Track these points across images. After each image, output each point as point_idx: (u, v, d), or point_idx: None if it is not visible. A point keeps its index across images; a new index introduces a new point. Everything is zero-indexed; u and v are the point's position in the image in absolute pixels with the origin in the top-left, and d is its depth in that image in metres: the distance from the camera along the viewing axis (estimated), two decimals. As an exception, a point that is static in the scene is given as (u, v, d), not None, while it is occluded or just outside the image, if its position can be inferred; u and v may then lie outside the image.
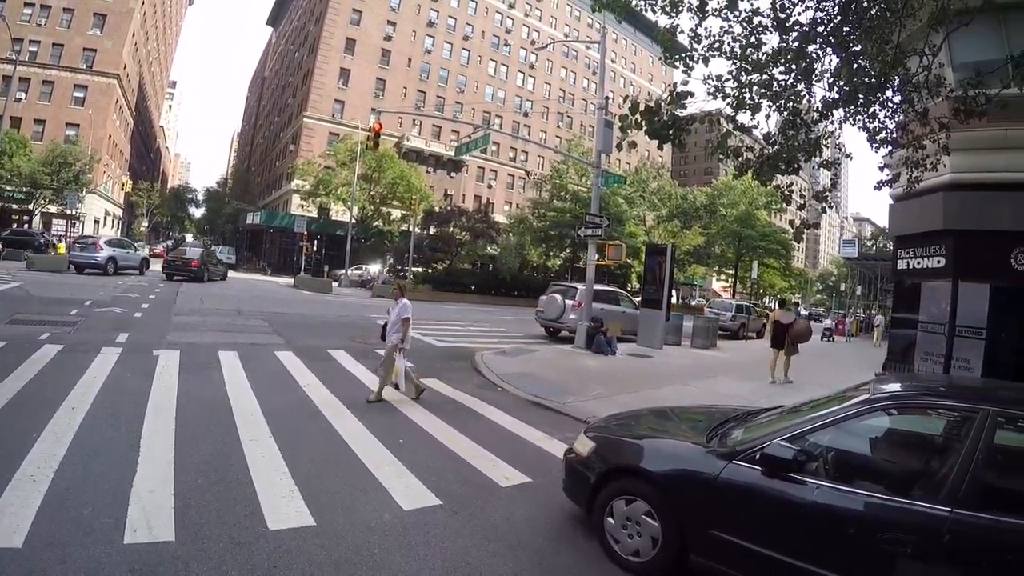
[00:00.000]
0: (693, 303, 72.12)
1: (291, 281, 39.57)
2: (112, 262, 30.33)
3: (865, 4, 8.21)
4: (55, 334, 11.96)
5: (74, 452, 5.78)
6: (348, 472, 5.98)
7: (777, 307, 18.07)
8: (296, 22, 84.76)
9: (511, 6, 79.24)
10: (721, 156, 9.30)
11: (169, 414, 7.27)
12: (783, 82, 8.93)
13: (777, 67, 8.77)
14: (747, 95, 8.83)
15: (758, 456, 4.02)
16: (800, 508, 3.79)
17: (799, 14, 8.71)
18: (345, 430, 7.36)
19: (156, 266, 36.54)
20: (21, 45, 47.38)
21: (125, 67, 60.79)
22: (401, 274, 41.26)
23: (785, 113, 9.16)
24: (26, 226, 48.31)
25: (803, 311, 49.41)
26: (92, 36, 56.33)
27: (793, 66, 8.68)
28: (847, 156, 10.37)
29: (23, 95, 51.96)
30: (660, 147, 10.21)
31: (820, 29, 8.59)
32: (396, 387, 9.09)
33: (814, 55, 8.76)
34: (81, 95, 55.72)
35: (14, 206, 50.06)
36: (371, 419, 7.97)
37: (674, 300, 38.48)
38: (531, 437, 8.01)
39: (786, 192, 9.71)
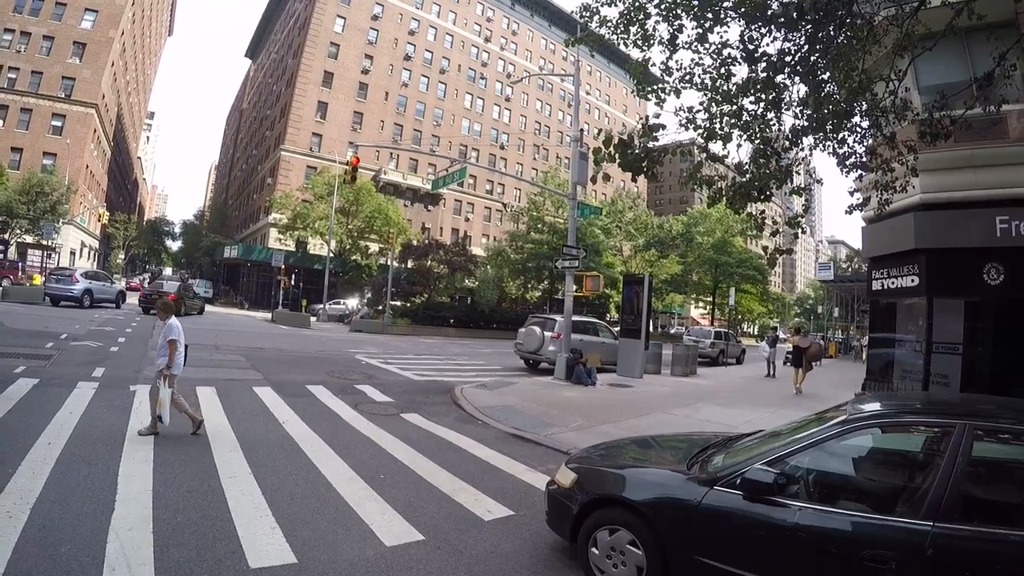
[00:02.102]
0: (672, 331, 72.44)
1: (269, 315, 39.29)
2: (88, 295, 29.98)
3: (832, 33, 8.41)
4: (30, 367, 11.80)
5: (51, 488, 5.68)
6: (329, 509, 5.91)
7: (794, 333, 22.21)
8: (274, 55, 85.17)
9: (487, 40, 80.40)
10: (695, 186, 9.44)
11: (147, 450, 7.15)
12: (753, 112, 9.11)
13: (747, 97, 8.94)
14: (718, 125, 9.00)
15: (739, 481, 4.04)
16: (783, 531, 3.80)
17: (767, 45, 8.91)
18: (325, 466, 7.28)
19: (133, 299, 36.18)
20: (0, 72, 46.59)
21: (104, 97, 60.34)
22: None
23: (756, 142, 9.34)
24: (1, 256, 47.87)
25: (781, 334, 49.68)
26: (71, 64, 55.92)
27: (762, 96, 8.86)
28: (818, 182, 10.61)
29: (0, 122, 51.69)
30: (634, 179, 10.39)
31: (788, 59, 8.79)
32: (159, 419, 7.77)
33: (782, 85, 8.96)
34: (59, 124, 55.14)
35: None
36: (351, 454, 7.90)
37: (653, 329, 38.58)
38: (513, 470, 7.95)
39: (759, 219, 9.86)
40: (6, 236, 48.43)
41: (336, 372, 15.96)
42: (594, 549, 4.64)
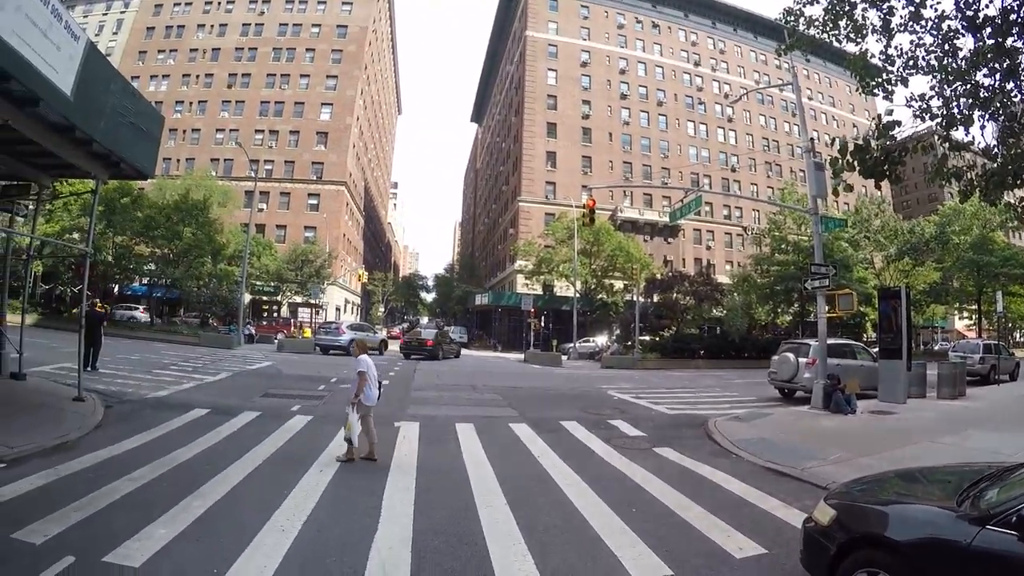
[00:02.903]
0: (936, 348, 64.92)
1: (521, 356, 40.87)
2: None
3: None
4: (304, 406, 13.69)
5: (320, 508, 6.58)
6: (579, 539, 6.12)
7: None
8: (498, 116, 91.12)
9: (696, 64, 78.84)
10: (942, 182, 8.71)
11: (409, 479, 7.97)
12: (990, 86, 8.19)
13: (979, 70, 8.09)
14: (955, 109, 8.23)
15: (1014, 519, 3.56)
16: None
17: (987, 7, 8.01)
18: (577, 498, 7.54)
19: (394, 346, 39.75)
20: (257, 165, 57.43)
21: (350, 175, 70.54)
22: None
23: (1000, 119, 8.35)
24: (275, 314, 57.68)
25: None
26: (318, 151, 67.60)
27: (996, 66, 7.95)
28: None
29: (264, 206, 63.13)
30: (877, 184, 9.88)
31: (1014, 17, 7.79)
32: (348, 441, 8.74)
33: (1014, 48, 7.97)
34: (315, 201, 66.40)
35: (264, 298, 59.18)
36: (603, 488, 8.07)
37: (914, 346, 34.89)
38: (767, 506, 7.64)
39: (1020, 208, 8.84)
40: (279, 298, 57.64)
41: (588, 408, 16.33)
42: (852, 594, 4.29)
